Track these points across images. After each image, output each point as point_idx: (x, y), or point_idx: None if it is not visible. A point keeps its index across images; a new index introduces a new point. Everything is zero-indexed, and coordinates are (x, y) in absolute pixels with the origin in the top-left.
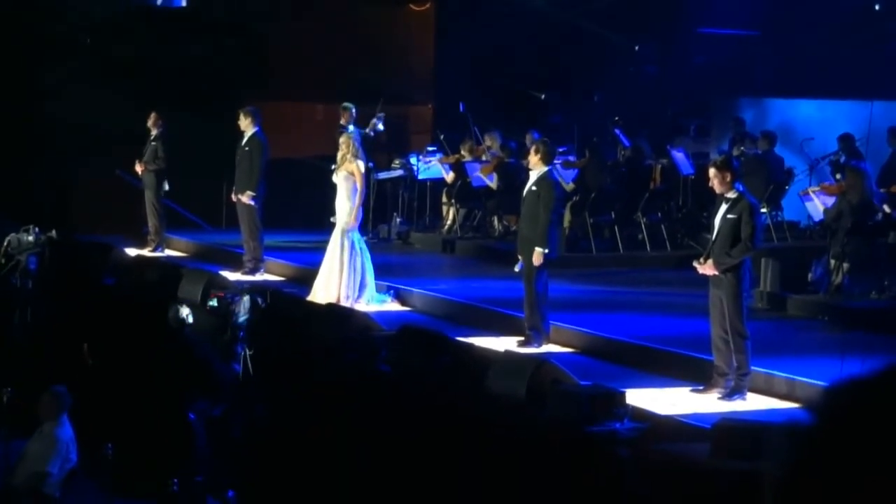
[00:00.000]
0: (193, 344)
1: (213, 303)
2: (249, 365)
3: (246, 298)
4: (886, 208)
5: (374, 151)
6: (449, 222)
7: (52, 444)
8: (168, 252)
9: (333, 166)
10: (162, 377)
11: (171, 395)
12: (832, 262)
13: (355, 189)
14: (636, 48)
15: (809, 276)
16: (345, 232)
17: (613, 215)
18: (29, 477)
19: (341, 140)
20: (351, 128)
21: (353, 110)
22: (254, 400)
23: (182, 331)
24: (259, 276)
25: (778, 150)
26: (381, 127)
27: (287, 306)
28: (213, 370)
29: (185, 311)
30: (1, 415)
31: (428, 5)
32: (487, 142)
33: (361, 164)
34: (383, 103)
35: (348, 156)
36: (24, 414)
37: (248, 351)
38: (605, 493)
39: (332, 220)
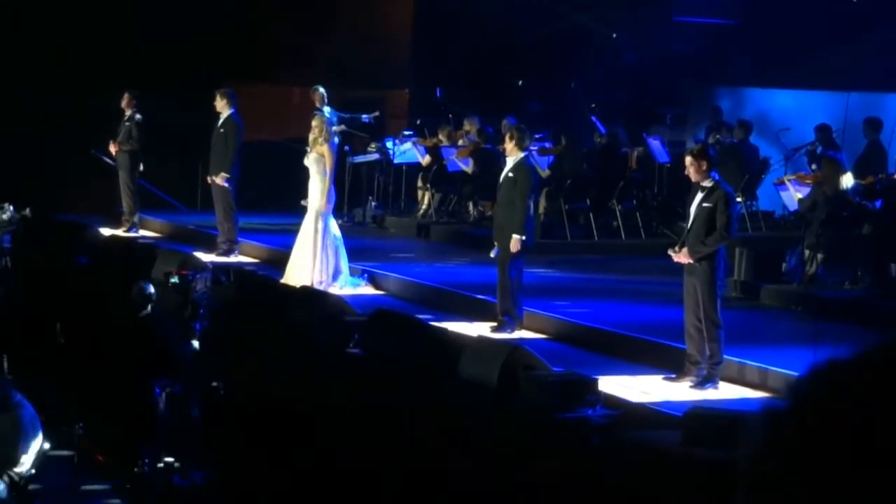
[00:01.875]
0: (155, 320)
1: (175, 280)
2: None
3: (207, 276)
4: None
5: (351, 135)
6: (424, 207)
7: (17, 428)
8: (142, 232)
9: (307, 148)
10: (125, 354)
11: (135, 371)
12: (806, 252)
13: (326, 171)
14: (614, 36)
15: (783, 265)
16: (318, 215)
17: (589, 202)
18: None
19: (314, 122)
20: (326, 109)
21: (323, 91)
22: (211, 377)
23: (145, 307)
24: (233, 258)
25: (754, 139)
26: (366, 120)
27: (260, 288)
28: (174, 347)
29: (149, 289)
30: None
31: None
32: (466, 126)
33: (331, 147)
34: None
35: (320, 139)
36: None
37: (205, 326)
38: (576, 480)
39: (303, 202)
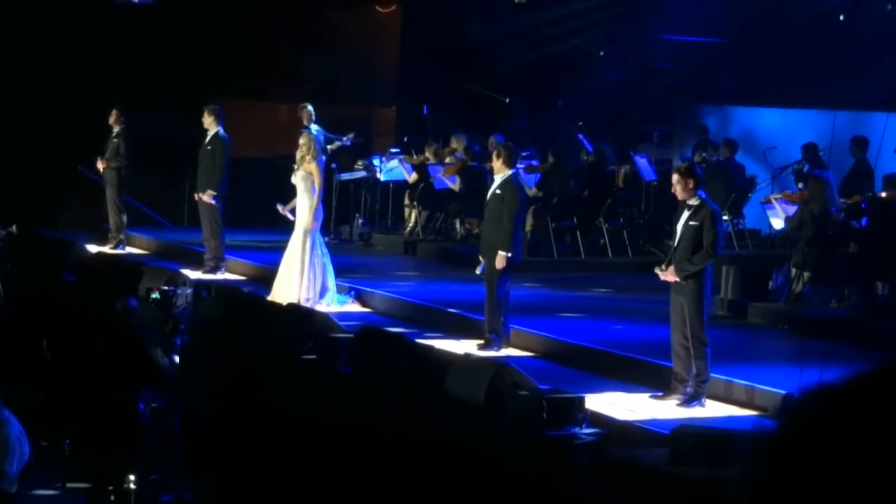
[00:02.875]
0: (139, 336)
1: (156, 295)
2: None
3: (188, 291)
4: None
5: (338, 152)
6: (411, 224)
7: (5, 444)
8: (129, 249)
9: (295, 166)
10: (110, 369)
11: (118, 386)
12: (793, 270)
13: (314, 189)
14: (601, 53)
15: (770, 284)
16: (306, 232)
17: (575, 220)
18: None
19: (301, 140)
20: (314, 127)
21: (311, 109)
22: (194, 393)
23: (129, 323)
24: (220, 275)
25: (741, 158)
26: (348, 143)
27: (247, 305)
28: (157, 362)
29: (132, 304)
30: None
31: (394, 7)
32: (453, 144)
33: (319, 165)
34: (356, 134)
35: (307, 157)
36: None
37: (186, 341)
38: (563, 498)
39: (279, 208)
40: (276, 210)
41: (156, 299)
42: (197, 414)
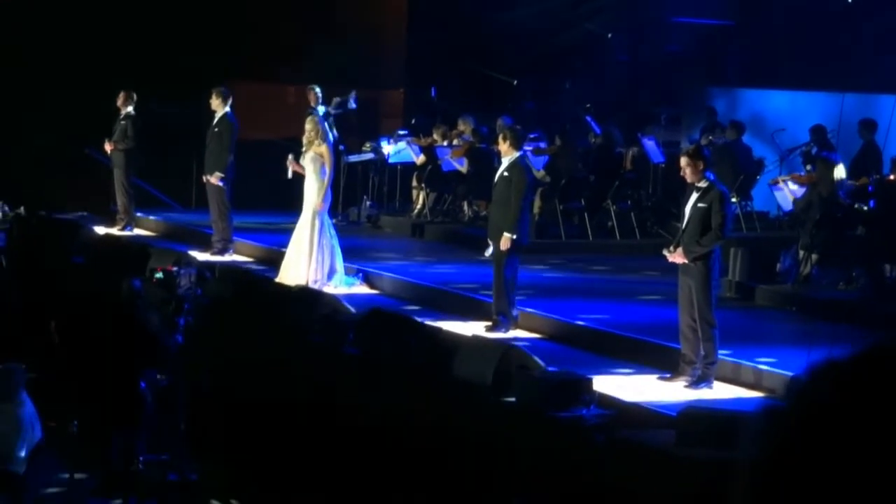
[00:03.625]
0: (140, 316)
1: (159, 276)
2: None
3: (192, 271)
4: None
5: (346, 134)
6: (419, 206)
7: (17, 424)
8: (137, 231)
9: (303, 149)
10: (114, 348)
11: (123, 366)
12: (801, 252)
13: (324, 171)
14: (609, 36)
15: (778, 266)
16: (314, 214)
17: (583, 202)
18: None
19: (307, 125)
20: (321, 108)
21: (318, 91)
22: (198, 373)
23: (133, 303)
24: (228, 257)
25: (749, 140)
26: (353, 105)
27: (255, 287)
28: (161, 341)
29: (137, 285)
30: None
31: None
32: (460, 126)
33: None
34: (357, 91)
35: (316, 140)
36: None
37: (189, 321)
38: (570, 480)
39: (293, 165)
40: (284, 192)
41: (159, 279)
42: (201, 394)
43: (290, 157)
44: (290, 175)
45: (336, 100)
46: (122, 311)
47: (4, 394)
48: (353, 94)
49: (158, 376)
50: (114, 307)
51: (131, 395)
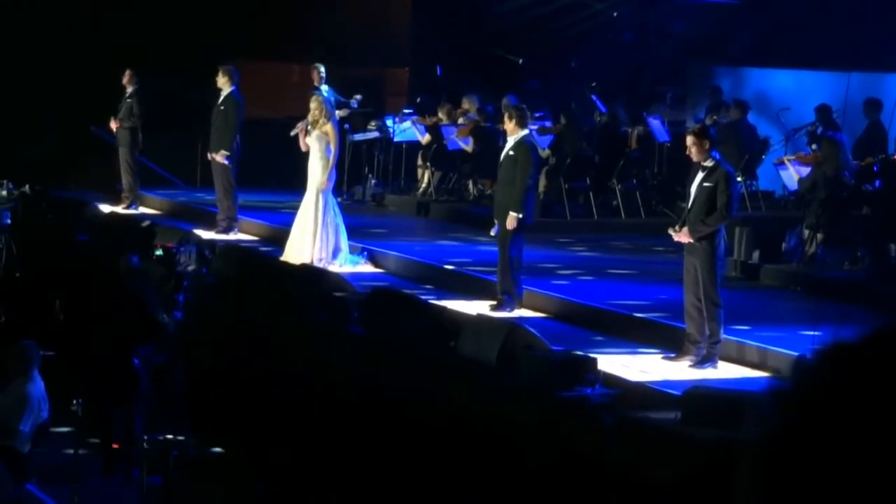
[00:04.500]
0: (136, 292)
1: (159, 252)
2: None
3: (191, 249)
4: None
5: (351, 113)
6: (424, 185)
7: (24, 401)
8: (142, 209)
9: (308, 127)
10: (109, 325)
11: (118, 342)
12: (806, 232)
13: (329, 149)
14: (615, 14)
15: (783, 245)
16: (319, 192)
17: (588, 181)
18: None
19: (312, 104)
20: (324, 87)
21: (322, 70)
22: (199, 350)
23: (129, 279)
24: (233, 236)
25: (755, 119)
26: (354, 105)
27: (259, 265)
28: (156, 318)
29: (135, 261)
30: None
31: None
32: (465, 105)
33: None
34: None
35: (321, 118)
36: None
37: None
38: (575, 459)
39: (300, 132)
40: (289, 170)
41: (159, 257)
42: (200, 371)
43: (301, 124)
44: (301, 144)
45: (340, 100)
46: (118, 287)
47: (18, 368)
48: (356, 98)
49: (155, 354)
50: (109, 284)
51: (126, 371)
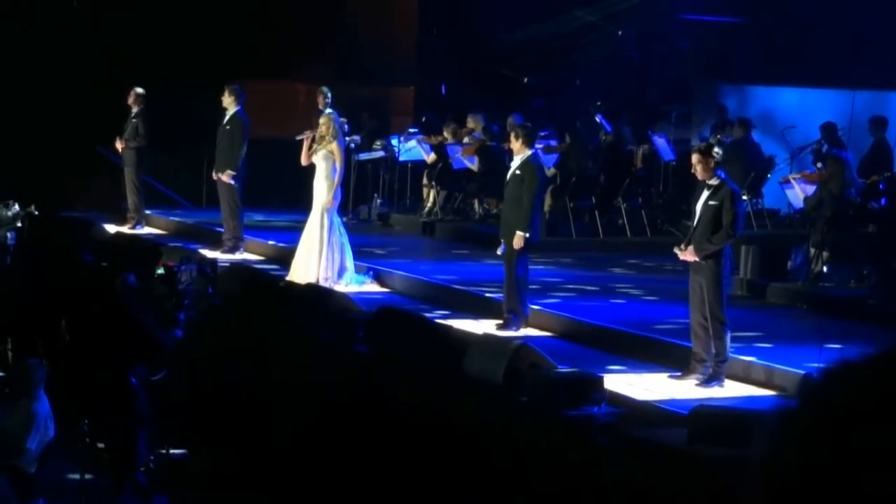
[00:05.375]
0: (132, 311)
1: (161, 271)
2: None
3: (192, 267)
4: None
5: (356, 132)
6: (429, 204)
7: (31, 419)
8: (148, 229)
9: (314, 146)
10: (107, 344)
11: (117, 361)
12: (812, 250)
13: (335, 169)
14: (619, 33)
15: (789, 264)
16: (324, 212)
17: (594, 200)
18: (4, 452)
19: (321, 120)
20: (328, 110)
21: (328, 93)
22: (201, 369)
23: (127, 299)
24: (239, 255)
25: (759, 138)
26: (358, 140)
27: (264, 285)
28: (154, 336)
29: (131, 280)
30: None
31: None
32: (470, 124)
33: (342, 145)
34: (368, 118)
35: (328, 136)
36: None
37: (191, 316)
38: (581, 478)
39: (306, 138)
40: (294, 190)
41: (161, 275)
42: (202, 390)
43: (308, 132)
44: (303, 157)
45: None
46: (116, 307)
47: (23, 388)
48: (358, 138)
49: (154, 372)
50: (108, 303)
51: (123, 390)
